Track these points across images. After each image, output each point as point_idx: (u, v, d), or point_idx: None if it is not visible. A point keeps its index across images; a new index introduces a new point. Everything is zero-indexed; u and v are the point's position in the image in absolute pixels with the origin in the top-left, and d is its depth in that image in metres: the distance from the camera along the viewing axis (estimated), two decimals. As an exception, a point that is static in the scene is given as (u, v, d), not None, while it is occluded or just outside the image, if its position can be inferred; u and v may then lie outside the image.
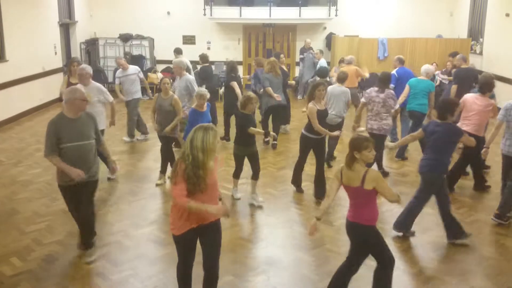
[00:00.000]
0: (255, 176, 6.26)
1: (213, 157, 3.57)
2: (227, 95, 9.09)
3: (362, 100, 7.32)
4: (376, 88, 7.07)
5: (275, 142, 8.83)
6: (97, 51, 14.29)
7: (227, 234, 5.38)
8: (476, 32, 13.33)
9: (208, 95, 6.58)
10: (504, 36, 11.41)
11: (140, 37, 14.30)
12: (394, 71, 9.10)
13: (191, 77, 8.10)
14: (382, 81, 7.07)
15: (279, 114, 9.01)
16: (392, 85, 8.46)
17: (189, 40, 14.72)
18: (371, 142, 3.77)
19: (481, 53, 12.75)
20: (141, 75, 9.31)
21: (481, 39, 12.93)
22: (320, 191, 6.37)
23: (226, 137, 9.08)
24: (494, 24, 12.13)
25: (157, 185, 6.87)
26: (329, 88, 7.62)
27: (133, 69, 9.09)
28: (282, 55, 10.72)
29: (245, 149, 6.16)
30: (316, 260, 4.84)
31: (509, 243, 5.19)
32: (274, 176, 7.33)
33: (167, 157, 6.95)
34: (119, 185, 6.89)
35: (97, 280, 4.46)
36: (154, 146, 8.88)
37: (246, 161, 6.27)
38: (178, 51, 11.07)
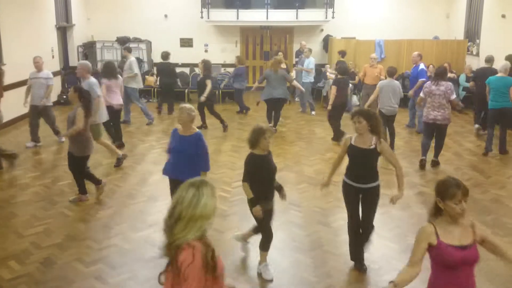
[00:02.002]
0: (264, 245, 4.66)
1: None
2: (200, 92, 10.02)
3: (421, 95, 7.82)
4: (432, 82, 7.66)
5: (275, 128, 9.92)
6: (95, 55, 14.29)
7: (225, 236, 5.40)
8: (472, 33, 13.38)
9: (194, 114, 5.00)
10: (501, 37, 11.46)
11: (137, 40, 14.31)
12: (422, 66, 10.01)
13: (93, 80, 7.57)
14: (440, 74, 7.64)
15: (280, 106, 9.97)
16: (424, 79, 9.57)
17: (186, 43, 14.75)
18: (462, 189, 2.78)
19: (477, 54, 12.79)
20: (51, 82, 8.85)
21: (477, 40, 12.97)
22: (358, 255, 4.77)
23: (203, 125, 10.18)
24: (491, 25, 12.18)
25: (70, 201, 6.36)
26: (381, 83, 8.60)
27: (45, 73, 8.78)
28: (280, 53, 11.61)
29: (266, 205, 4.56)
30: (315, 262, 4.85)
31: (506, 244, 5.20)
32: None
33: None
34: (117, 188, 6.88)
35: (95, 283, 4.46)
36: (153, 148, 8.90)
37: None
38: (164, 57, 11.48)
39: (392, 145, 8.56)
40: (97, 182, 6.45)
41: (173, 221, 2.37)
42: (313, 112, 11.99)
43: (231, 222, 5.80)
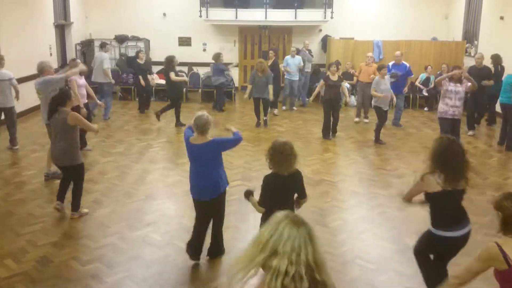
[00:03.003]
0: None
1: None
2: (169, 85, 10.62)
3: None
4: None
5: (266, 118, 10.65)
6: (93, 52, 14.23)
7: (222, 236, 5.40)
8: (471, 34, 13.39)
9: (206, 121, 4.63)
10: (499, 38, 11.48)
11: (135, 39, 14.28)
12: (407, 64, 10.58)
13: (44, 79, 7.18)
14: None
15: (266, 105, 10.68)
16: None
17: (185, 41, 14.72)
18: None
19: (475, 59, 12.79)
20: (14, 82, 8.52)
21: (475, 42, 12.99)
22: None
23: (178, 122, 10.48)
24: (489, 27, 12.20)
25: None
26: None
27: (5, 74, 8.37)
28: (270, 52, 12.04)
29: None
30: (312, 262, 4.84)
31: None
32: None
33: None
34: (114, 187, 6.87)
35: (92, 282, 4.45)
36: (151, 147, 8.89)
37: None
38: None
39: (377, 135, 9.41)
40: (61, 197, 5.89)
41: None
42: (294, 108, 12.29)
43: (228, 221, 5.74)
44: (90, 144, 8.70)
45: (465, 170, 3.77)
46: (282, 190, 4.00)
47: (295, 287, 1.82)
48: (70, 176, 5.83)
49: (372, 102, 9.61)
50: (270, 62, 11.57)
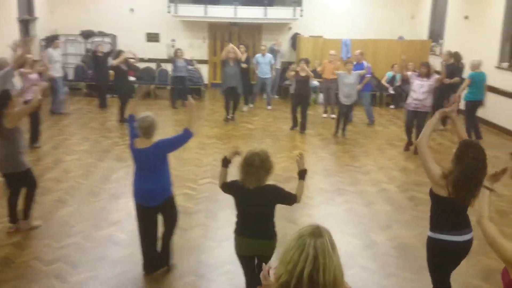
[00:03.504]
0: None
1: None
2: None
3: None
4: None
5: (233, 115, 10.80)
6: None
7: (190, 234, 5.36)
8: (436, 34, 13.69)
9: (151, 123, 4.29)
10: (463, 37, 11.77)
11: (102, 34, 13.99)
12: (367, 64, 10.68)
13: None
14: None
15: (234, 95, 10.69)
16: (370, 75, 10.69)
17: (153, 37, 14.51)
18: None
19: (440, 55, 13.09)
20: None
21: (441, 41, 13.29)
22: None
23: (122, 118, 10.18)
24: (454, 26, 12.49)
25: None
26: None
27: None
28: (241, 46, 11.75)
29: (253, 244, 3.69)
30: (279, 258, 4.86)
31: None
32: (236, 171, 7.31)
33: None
34: (79, 186, 6.73)
35: (55, 283, 4.35)
36: (117, 145, 8.73)
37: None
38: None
39: (343, 129, 9.76)
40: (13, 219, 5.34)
41: None
42: (269, 107, 12.24)
43: (196, 219, 5.75)
44: (54, 142, 8.49)
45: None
46: (246, 204, 3.63)
47: None
48: (18, 185, 5.26)
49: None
50: (244, 58, 11.53)
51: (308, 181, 7.34)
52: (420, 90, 8.34)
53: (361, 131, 10.17)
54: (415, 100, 8.42)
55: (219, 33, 14.98)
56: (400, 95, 12.64)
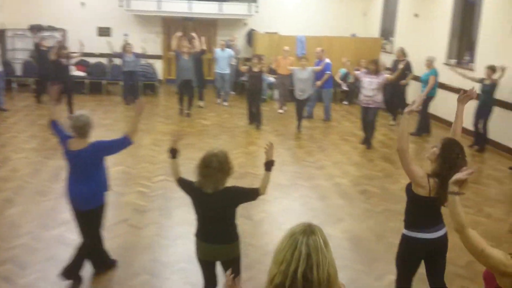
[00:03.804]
0: None
1: None
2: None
3: None
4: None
5: (188, 111, 10.72)
6: (5, 43, 13.32)
7: (144, 232, 5.28)
8: (387, 31, 14.05)
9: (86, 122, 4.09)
10: (413, 35, 12.14)
11: (52, 29, 13.50)
12: (328, 61, 10.81)
13: None
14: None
15: (189, 89, 10.74)
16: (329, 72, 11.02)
17: (104, 32, 14.14)
18: None
19: (391, 52, 13.45)
20: None
21: (392, 38, 13.65)
22: None
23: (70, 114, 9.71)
24: (404, 24, 12.86)
25: None
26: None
27: None
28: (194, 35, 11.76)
29: (214, 249, 3.48)
30: (235, 255, 4.86)
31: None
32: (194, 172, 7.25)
33: None
34: (27, 185, 6.48)
35: (3, 285, 4.19)
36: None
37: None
38: None
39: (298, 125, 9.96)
40: None
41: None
42: (226, 103, 12.18)
43: (150, 217, 5.67)
44: (2, 140, 8.15)
45: None
46: (205, 208, 3.42)
47: None
48: None
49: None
50: (199, 48, 11.48)
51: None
52: (369, 87, 8.60)
53: (317, 127, 10.32)
54: (365, 97, 8.69)
55: (173, 28, 14.74)
56: (353, 92, 12.88)
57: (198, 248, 3.52)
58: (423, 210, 3.42)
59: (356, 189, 6.81)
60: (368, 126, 8.87)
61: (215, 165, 3.28)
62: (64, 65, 10.11)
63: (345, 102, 13.00)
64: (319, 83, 10.50)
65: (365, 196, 6.58)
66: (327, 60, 10.72)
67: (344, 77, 13.16)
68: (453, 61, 10.55)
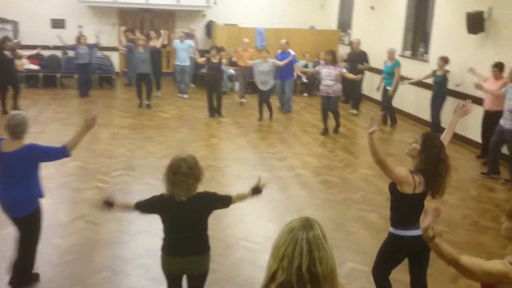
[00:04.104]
0: None
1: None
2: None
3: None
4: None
5: (148, 103, 10.63)
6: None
7: (103, 228, 5.17)
8: (345, 24, 14.24)
9: (21, 121, 3.91)
10: (369, 27, 12.36)
11: (2, 21, 12.93)
12: (293, 52, 10.87)
13: None
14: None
15: (147, 82, 10.58)
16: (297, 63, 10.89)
17: (58, 24, 13.67)
18: None
19: (349, 44, 13.65)
20: None
21: (349, 31, 13.85)
22: None
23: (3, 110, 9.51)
24: (361, 17, 13.07)
25: None
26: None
27: None
28: (151, 32, 12.21)
29: (185, 262, 3.30)
30: (197, 248, 4.83)
31: (373, 219, 5.66)
32: (155, 166, 7.14)
33: None
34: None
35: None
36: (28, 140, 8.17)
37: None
38: None
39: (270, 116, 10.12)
40: None
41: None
42: (185, 95, 12.04)
43: (109, 213, 5.53)
44: None
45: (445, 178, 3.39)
46: (175, 219, 3.22)
47: None
48: None
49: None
50: (160, 44, 11.51)
51: (226, 169, 7.41)
52: (328, 77, 8.84)
53: (277, 119, 10.36)
54: (325, 87, 8.93)
55: (130, 19, 14.46)
56: (312, 83, 13.02)
57: (165, 262, 3.32)
58: (408, 207, 3.40)
59: (317, 180, 6.90)
60: (334, 115, 9.13)
61: (184, 171, 3.08)
62: (8, 59, 9.61)
63: (305, 94, 13.12)
64: (295, 74, 10.61)
65: (325, 186, 6.67)
66: (293, 52, 10.81)
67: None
68: (408, 52, 10.82)
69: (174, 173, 3.09)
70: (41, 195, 3.99)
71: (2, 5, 13.01)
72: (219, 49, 10.28)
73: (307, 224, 1.85)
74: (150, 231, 5.15)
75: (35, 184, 3.90)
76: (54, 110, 9.96)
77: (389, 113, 9.96)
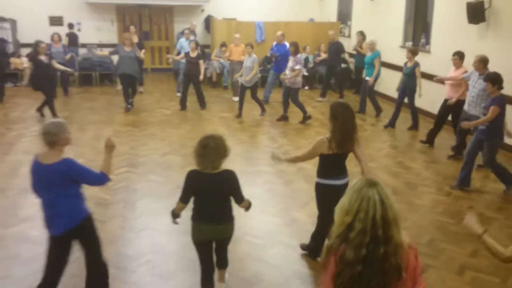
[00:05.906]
0: (221, 264, 4.03)
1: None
2: None
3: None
4: None
5: (132, 100, 10.31)
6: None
7: (107, 226, 5.18)
8: (344, 15, 14.19)
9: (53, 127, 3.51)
10: (369, 19, 12.32)
11: (0, 19, 12.92)
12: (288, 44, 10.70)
13: None
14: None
15: (131, 81, 10.21)
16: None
17: (56, 21, 13.65)
18: None
19: (349, 36, 13.63)
20: None
21: (349, 23, 13.80)
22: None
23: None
24: (360, 8, 13.02)
25: None
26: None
27: None
28: (131, 27, 12.12)
29: (215, 228, 3.68)
30: (202, 243, 4.85)
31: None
32: (158, 162, 7.17)
33: None
34: (-18, 182, 6.23)
35: (-39, 288, 4.03)
36: (24, 137, 8.20)
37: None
38: None
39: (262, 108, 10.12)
40: None
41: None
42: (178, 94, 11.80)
43: (114, 211, 5.56)
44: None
45: (354, 134, 4.19)
46: (205, 190, 3.56)
47: (359, 241, 2.11)
48: None
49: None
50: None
51: (229, 164, 7.37)
52: (288, 69, 9.30)
53: (278, 113, 10.34)
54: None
55: (128, 15, 14.44)
56: (314, 77, 13.00)
57: (197, 231, 3.67)
58: (328, 163, 4.28)
59: (320, 173, 6.89)
60: (295, 105, 9.54)
61: (211, 145, 3.50)
62: (45, 64, 9.07)
63: (306, 88, 13.09)
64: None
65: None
66: (287, 44, 10.76)
67: (304, 62, 13.22)
68: (408, 43, 10.78)
69: (203, 147, 3.52)
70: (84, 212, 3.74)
71: (0, 4, 12.98)
72: (198, 44, 10.48)
73: (371, 182, 2.20)
74: (155, 228, 5.17)
75: (76, 201, 3.70)
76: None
77: (372, 103, 10.13)
